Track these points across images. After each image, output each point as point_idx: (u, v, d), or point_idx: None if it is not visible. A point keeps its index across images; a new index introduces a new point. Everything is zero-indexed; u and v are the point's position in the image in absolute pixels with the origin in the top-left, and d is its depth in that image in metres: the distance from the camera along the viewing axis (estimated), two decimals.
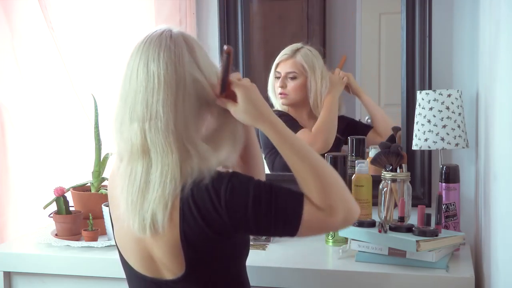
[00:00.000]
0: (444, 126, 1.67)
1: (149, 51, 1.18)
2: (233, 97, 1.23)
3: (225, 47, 1.22)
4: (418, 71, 1.85)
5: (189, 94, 1.18)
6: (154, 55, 1.18)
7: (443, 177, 1.63)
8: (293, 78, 2.00)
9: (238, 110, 1.22)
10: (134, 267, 1.28)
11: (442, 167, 1.63)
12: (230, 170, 1.20)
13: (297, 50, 2.01)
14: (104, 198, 1.82)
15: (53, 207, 1.81)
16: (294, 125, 1.99)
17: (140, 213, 1.19)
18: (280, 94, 2.02)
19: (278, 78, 2.02)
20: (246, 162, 1.38)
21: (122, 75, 1.23)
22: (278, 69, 2.02)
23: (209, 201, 1.15)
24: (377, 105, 2.03)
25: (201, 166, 1.16)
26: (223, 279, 1.25)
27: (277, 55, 2.03)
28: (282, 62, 2.02)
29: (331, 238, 1.71)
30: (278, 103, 2.03)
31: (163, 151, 1.16)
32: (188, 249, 1.18)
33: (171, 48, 1.18)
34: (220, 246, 1.20)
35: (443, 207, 1.60)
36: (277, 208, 1.14)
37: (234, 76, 1.24)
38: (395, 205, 1.67)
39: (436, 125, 1.67)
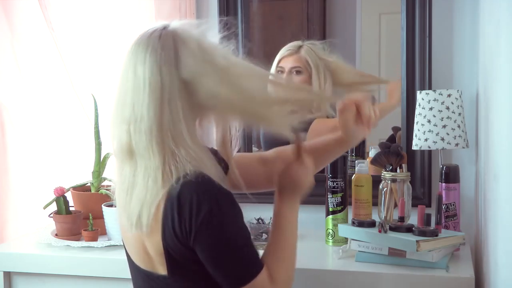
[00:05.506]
0: (444, 126, 1.67)
1: (138, 53, 1.19)
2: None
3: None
4: (418, 71, 1.85)
5: (176, 97, 1.17)
6: (141, 57, 1.18)
7: (443, 177, 1.63)
8: (298, 72, 1.97)
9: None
10: (133, 259, 1.29)
11: (442, 167, 1.63)
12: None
13: (300, 46, 1.99)
14: (104, 198, 1.82)
15: (53, 207, 1.81)
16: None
17: (128, 211, 1.21)
18: None
19: (280, 73, 1.99)
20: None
21: (117, 75, 1.24)
22: (280, 64, 1.99)
23: (189, 209, 1.14)
24: None
25: (188, 168, 1.16)
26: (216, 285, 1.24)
27: (277, 55, 2.01)
28: (286, 57, 1.99)
29: (331, 238, 1.71)
30: None
31: (146, 154, 1.17)
32: (168, 249, 1.18)
33: (158, 51, 1.17)
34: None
35: (443, 207, 1.60)
36: (242, 256, 1.18)
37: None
38: (395, 205, 1.67)
39: (436, 125, 1.67)
